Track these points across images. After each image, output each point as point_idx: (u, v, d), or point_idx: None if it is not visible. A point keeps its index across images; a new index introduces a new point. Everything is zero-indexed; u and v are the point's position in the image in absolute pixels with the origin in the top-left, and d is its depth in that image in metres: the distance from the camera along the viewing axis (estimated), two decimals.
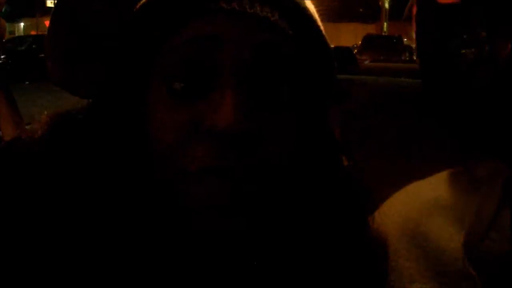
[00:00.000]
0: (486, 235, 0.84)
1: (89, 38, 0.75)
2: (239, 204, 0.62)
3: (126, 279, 0.65)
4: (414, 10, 0.99)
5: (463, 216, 0.88)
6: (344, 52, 5.90)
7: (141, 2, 0.69)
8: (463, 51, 0.85)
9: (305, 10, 0.71)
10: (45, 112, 0.71)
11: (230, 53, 0.63)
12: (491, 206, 0.85)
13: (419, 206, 0.95)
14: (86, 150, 0.67)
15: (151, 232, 0.66)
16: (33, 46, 15.41)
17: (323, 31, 0.73)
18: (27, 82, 11.07)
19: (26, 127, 0.83)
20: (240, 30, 0.64)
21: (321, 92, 0.73)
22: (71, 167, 0.67)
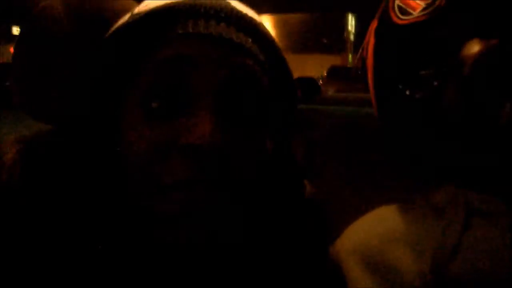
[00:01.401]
0: (451, 259, 0.85)
1: (58, 61, 0.76)
2: (209, 215, 0.64)
3: None
4: (370, 45, 1.00)
5: (423, 244, 0.89)
6: (308, 82, 5.96)
7: (119, 23, 0.72)
8: (423, 72, 0.86)
9: (273, 39, 0.75)
10: (11, 136, 0.72)
11: (207, 74, 0.66)
12: (454, 231, 0.87)
13: (380, 234, 0.95)
14: (57, 172, 0.68)
15: (121, 248, 0.67)
16: None
17: (287, 61, 0.76)
18: None
19: None
20: (216, 53, 0.67)
21: (285, 117, 0.75)
22: (42, 189, 0.67)
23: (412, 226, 0.93)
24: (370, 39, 1.00)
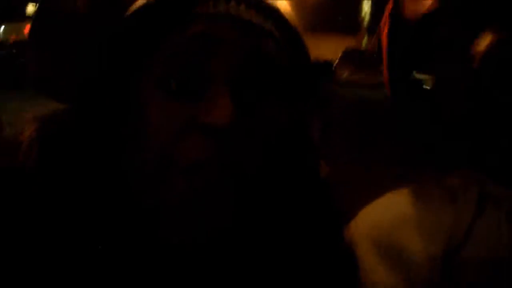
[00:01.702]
0: (463, 244, 0.85)
1: (74, 38, 0.76)
2: (223, 198, 0.65)
3: None
4: (385, 28, 1.00)
5: (435, 228, 0.89)
6: (322, 64, 5.91)
7: (140, 2, 0.73)
8: (435, 61, 0.86)
9: (292, 22, 0.77)
10: (29, 114, 0.72)
11: (227, 55, 0.68)
12: (467, 215, 0.87)
13: (392, 218, 0.96)
14: (74, 152, 0.68)
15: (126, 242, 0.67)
16: (13, 51, 15.18)
17: (306, 45, 0.77)
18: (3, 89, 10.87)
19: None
20: (236, 33, 0.69)
21: (302, 98, 0.75)
22: (58, 170, 0.67)
23: (424, 209, 0.93)
24: (386, 22, 1.00)
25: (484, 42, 0.80)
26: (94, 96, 0.72)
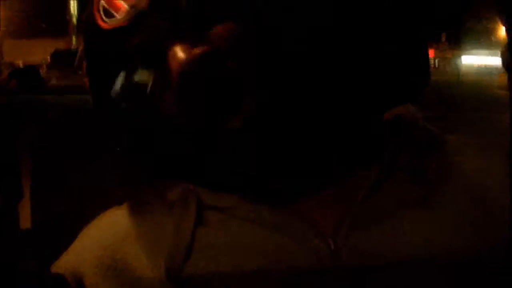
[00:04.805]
0: (187, 257, 0.83)
1: None
2: None
3: None
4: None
5: (158, 243, 0.87)
6: (27, 71, 5.60)
7: None
8: (136, 79, 0.84)
9: None
10: None
11: None
12: (187, 227, 0.85)
13: (114, 234, 0.91)
14: None
15: None
16: None
17: None
18: None
19: None
20: None
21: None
22: None
23: (145, 225, 0.90)
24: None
25: (177, 57, 0.80)
26: None
